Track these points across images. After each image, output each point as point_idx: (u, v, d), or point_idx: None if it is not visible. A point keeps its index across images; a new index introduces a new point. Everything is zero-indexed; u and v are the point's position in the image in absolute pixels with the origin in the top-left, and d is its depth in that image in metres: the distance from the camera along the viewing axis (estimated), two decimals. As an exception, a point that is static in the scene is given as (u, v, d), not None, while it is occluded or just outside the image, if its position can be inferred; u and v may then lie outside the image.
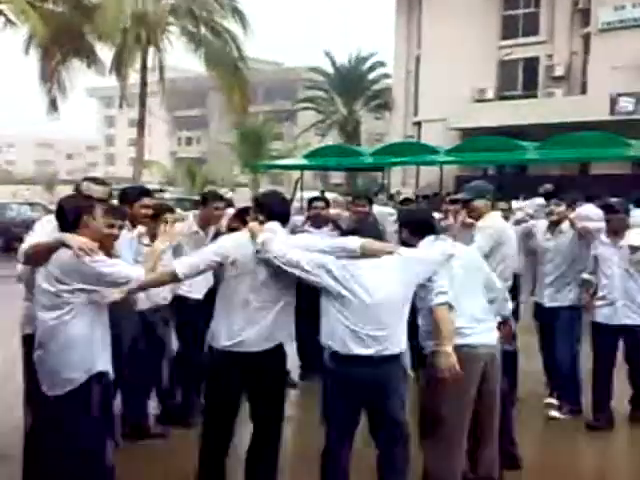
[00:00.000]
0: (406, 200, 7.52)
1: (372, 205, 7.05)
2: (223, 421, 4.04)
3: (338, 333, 3.74)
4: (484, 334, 4.11)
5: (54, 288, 3.62)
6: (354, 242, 3.79)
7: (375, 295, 3.72)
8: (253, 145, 35.40)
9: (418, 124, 27.64)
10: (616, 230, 5.70)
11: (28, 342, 4.09)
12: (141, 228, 5.03)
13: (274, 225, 4.00)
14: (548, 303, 5.96)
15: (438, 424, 4.02)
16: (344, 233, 4.37)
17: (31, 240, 3.96)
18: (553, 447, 5.36)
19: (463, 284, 4.07)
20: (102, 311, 3.83)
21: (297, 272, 3.78)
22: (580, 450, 5.52)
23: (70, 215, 3.74)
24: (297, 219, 6.76)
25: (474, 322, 4.09)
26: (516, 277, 5.88)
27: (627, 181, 17.99)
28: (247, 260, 3.90)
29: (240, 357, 3.89)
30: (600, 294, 5.77)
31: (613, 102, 21.50)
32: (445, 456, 4.05)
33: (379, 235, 4.09)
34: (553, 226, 5.96)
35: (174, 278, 4.04)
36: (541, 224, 6.18)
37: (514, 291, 5.65)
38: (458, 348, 3.90)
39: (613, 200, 6.32)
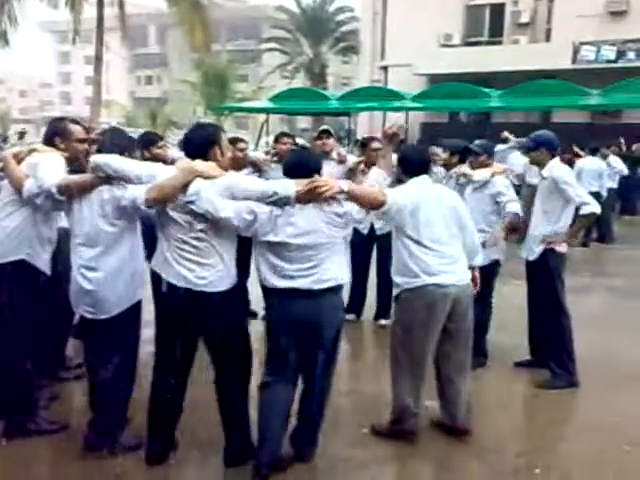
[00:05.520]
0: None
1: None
2: None
3: None
4: (456, 274, 4.25)
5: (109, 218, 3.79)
6: (289, 187, 3.63)
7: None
8: (217, 86, 34.75)
9: (385, 69, 27.53)
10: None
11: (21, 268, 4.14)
12: None
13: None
14: None
15: (404, 354, 4.27)
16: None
17: (54, 173, 3.85)
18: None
19: (445, 223, 4.26)
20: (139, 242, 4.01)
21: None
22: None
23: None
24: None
25: (449, 261, 4.24)
26: None
27: (586, 130, 18.49)
28: None
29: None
30: None
31: (575, 50, 21.78)
32: (407, 384, 4.30)
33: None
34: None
35: None
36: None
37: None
38: (428, 285, 4.13)
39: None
